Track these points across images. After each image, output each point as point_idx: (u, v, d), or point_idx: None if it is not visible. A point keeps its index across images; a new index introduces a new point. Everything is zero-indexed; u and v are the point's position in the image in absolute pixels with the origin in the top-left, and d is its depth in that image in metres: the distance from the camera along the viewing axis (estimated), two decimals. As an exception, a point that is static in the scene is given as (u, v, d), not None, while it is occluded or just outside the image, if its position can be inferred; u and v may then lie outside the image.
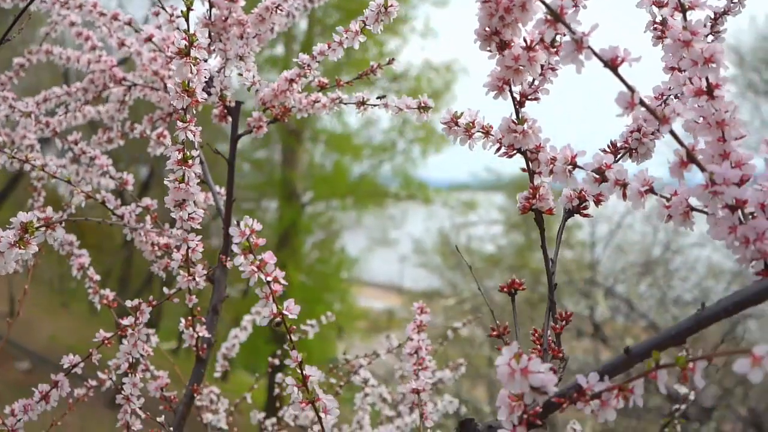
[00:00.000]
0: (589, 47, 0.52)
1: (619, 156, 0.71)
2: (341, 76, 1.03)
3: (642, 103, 0.52)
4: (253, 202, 11.78)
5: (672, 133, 0.53)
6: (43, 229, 0.68)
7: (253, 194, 11.91)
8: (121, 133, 1.25)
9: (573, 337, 7.47)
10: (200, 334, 1.00)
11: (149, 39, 1.07)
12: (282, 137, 11.52)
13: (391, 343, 1.40)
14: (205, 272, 0.93)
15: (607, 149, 0.71)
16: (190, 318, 0.99)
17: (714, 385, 6.20)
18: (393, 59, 1.03)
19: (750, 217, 0.54)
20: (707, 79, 0.55)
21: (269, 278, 0.64)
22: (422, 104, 0.87)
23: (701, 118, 0.56)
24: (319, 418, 0.67)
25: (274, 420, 1.32)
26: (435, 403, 1.35)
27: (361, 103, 0.98)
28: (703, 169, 0.53)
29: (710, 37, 0.75)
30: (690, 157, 0.53)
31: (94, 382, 1.15)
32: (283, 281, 0.65)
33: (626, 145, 0.71)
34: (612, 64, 0.52)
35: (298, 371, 0.67)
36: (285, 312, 0.65)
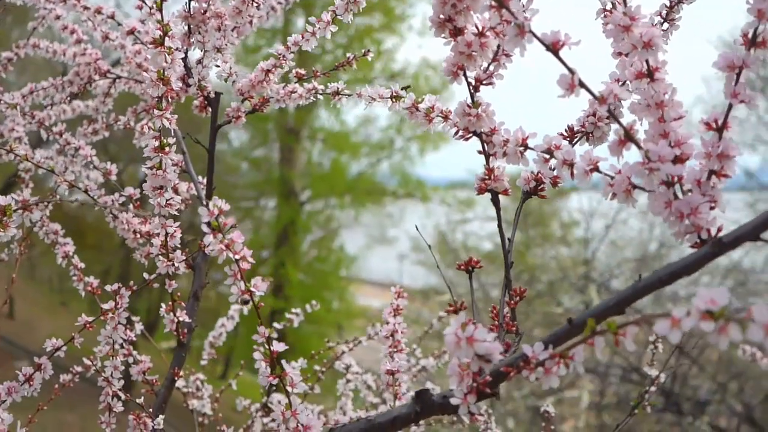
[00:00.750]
0: (530, 32, 0.54)
1: (576, 140, 0.74)
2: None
3: (581, 84, 0.55)
4: (251, 200, 11.82)
5: (610, 113, 0.56)
6: (21, 211, 0.71)
7: (252, 193, 11.95)
8: (106, 125, 1.28)
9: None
10: (180, 319, 1.03)
11: (131, 32, 1.10)
12: (280, 136, 11.55)
13: (375, 331, 1.43)
14: (184, 258, 0.96)
15: (564, 133, 0.74)
16: (170, 303, 1.01)
17: (708, 380, 6.23)
18: (368, 50, 1.06)
19: (688, 193, 0.57)
20: (647, 62, 0.58)
21: (237, 257, 0.67)
22: (394, 94, 0.90)
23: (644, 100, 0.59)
24: (286, 391, 0.69)
25: (257, 405, 1.35)
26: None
27: (336, 93, 1.01)
28: (639, 147, 0.56)
29: (666, 25, 0.78)
30: (628, 136, 0.56)
31: (79, 368, 1.18)
32: (250, 259, 0.67)
33: (582, 129, 0.74)
34: (553, 48, 0.55)
35: (266, 347, 0.69)
36: (252, 289, 0.67)
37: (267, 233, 11.78)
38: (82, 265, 1.17)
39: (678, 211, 0.55)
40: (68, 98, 1.27)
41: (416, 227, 1.12)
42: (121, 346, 1.01)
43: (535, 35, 0.54)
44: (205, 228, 0.66)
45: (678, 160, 0.57)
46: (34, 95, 1.30)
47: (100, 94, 1.28)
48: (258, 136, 11.89)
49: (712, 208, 0.56)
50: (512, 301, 0.68)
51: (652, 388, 1.12)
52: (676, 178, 0.55)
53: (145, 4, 1.04)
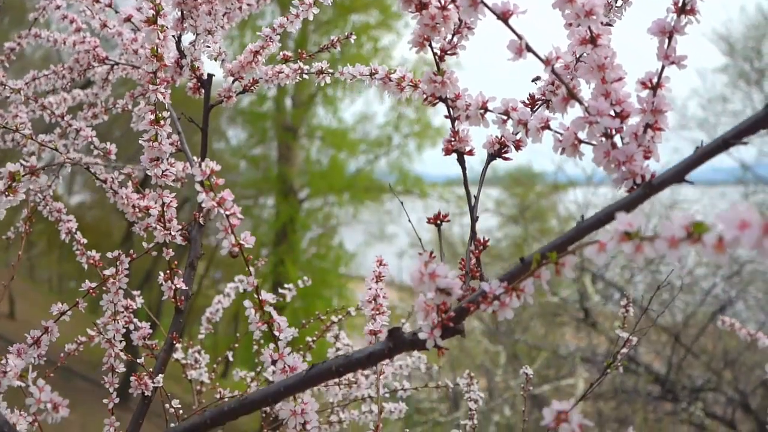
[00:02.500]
0: (482, 2, 0.61)
1: (537, 106, 0.81)
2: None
3: (528, 48, 0.62)
4: (250, 199, 11.89)
5: (554, 72, 0.63)
6: (28, 176, 0.78)
7: (250, 191, 12.01)
8: (105, 109, 1.34)
9: (573, 329, 7.59)
10: (178, 287, 1.09)
11: (128, 19, 1.16)
12: (278, 134, 11.62)
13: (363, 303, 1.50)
14: (180, 227, 1.03)
15: (526, 101, 0.81)
16: (168, 271, 1.08)
17: (703, 369, 6.31)
18: (351, 34, 1.13)
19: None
20: (590, 29, 0.65)
21: (228, 212, 0.74)
22: (373, 71, 0.97)
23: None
24: (274, 337, 0.76)
25: (252, 374, 1.42)
26: (405, 363, 1.45)
27: (320, 72, 1.08)
28: (581, 104, 0.62)
29: (620, 1, 0.85)
30: (570, 94, 0.63)
31: (83, 338, 1.25)
32: (239, 216, 0.74)
33: (543, 97, 0.80)
34: (504, 17, 0.62)
35: (255, 296, 0.76)
36: (242, 242, 0.74)
37: (266, 231, 11.85)
38: (84, 240, 1.24)
39: (615, 159, 0.62)
40: (69, 84, 1.34)
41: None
42: (123, 311, 1.08)
43: (486, 5, 0.61)
44: (198, 187, 0.73)
45: (619, 116, 0.64)
46: (36, 82, 1.37)
47: (99, 80, 1.34)
48: (256, 135, 11.96)
49: (647, 158, 0.63)
50: (477, 251, 0.75)
51: (624, 350, 1.19)
52: (614, 131, 0.62)
53: (141, -8, 1.10)
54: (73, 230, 1.24)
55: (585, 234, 0.62)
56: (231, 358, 1.53)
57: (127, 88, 1.52)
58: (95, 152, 1.23)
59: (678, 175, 0.58)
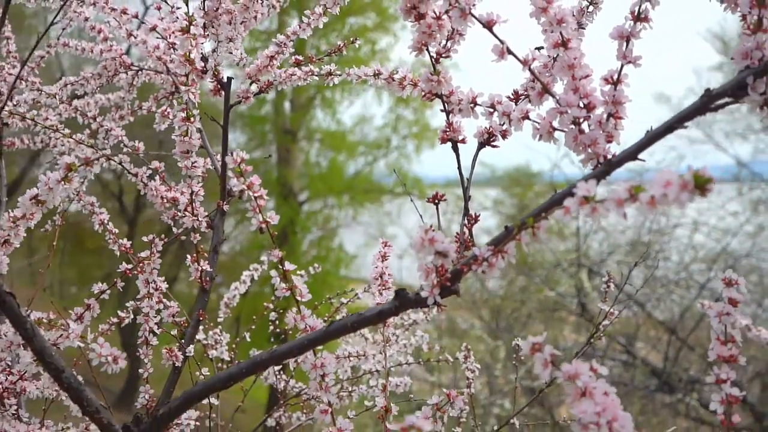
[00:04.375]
0: (470, 14, 0.74)
1: (520, 100, 0.93)
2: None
3: (509, 51, 0.75)
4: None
5: (531, 71, 0.75)
6: (83, 166, 0.90)
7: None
8: (131, 111, 1.47)
9: (573, 326, 7.72)
10: (204, 269, 1.22)
11: (153, 29, 1.29)
12: (277, 137, 11.75)
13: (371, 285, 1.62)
14: (206, 214, 1.15)
15: (511, 96, 0.93)
16: (195, 255, 1.21)
17: (698, 360, 6.43)
18: (356, 38, 1.25)
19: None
20: (561, 34, 0.78)
21: (256, 195, 0.86)
22: (377, 71, 1.09)
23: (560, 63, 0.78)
24: (296, 300, 0.89)
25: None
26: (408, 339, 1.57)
27: (329, 74, 1.20)
28: (553, 97, 0.75)
29: (591, 7, 0.98)
30: (545, 89, 0.75)
31: (115, 320, 1.37)
32: (265, 197, 0.87)
33: (525, 93, 0.93)
34: (488, 25, 0.75)
35: (280, 267, 0.89)
36: (268, 219, 0.87)
37: (266, 234, 11.91)
38: (116, 230, 1.36)
39: (582, 143, 0.74)
40: (98, 89, 1.46)
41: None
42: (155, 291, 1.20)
43: (474, 16, 0.74)
44: (230, 173, 0.86)
45: (587, 107, 0.77)
46: (67, 87, 1.49)
47: (125, 84, 1.47)
48: (255, 138, 12.07)
49: (609, 141, 0.75)
50: (469, 224, 0.88)
51: (605, 322, 1.31)
52: (581, 119, 0.75)
53: (166, 3, 1.23)
54: (106, 221, 1.37)
55: (559, 202, 0.74)
56: (248, 339, 1.65)
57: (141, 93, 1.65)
58: (124, 150, 1.36)
59: (632, 154, 0.70)
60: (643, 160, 0.71)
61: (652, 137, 0.70)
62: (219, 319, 1.66)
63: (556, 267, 6.55)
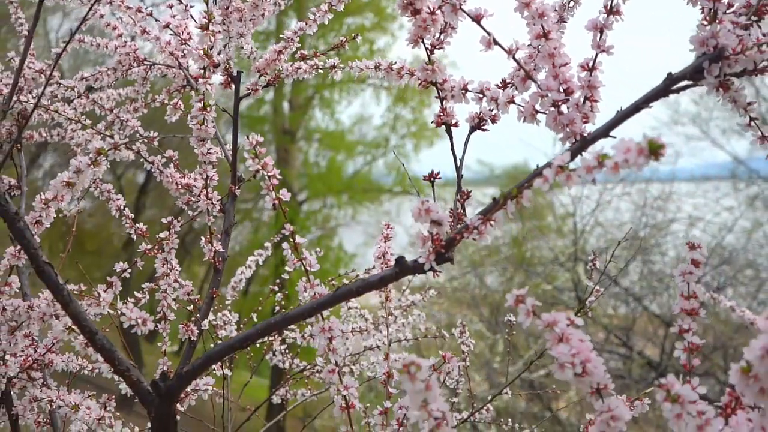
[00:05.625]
0: (461, 8, 0.83)
1: (507, 88, 1.02)
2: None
3: (495, 42, 0.84)
4: (249, 202, 12.11)
5: (515, 60, 0.84)
6: (112, 150, 0.99)
7: (250, 194, 12.24)
8: (145, 104, 1.56)
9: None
10: (217, 249, 1.31)
11: (167, 26, 1.38)
12: (276, 137, 11.84)
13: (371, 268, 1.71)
14: (220, 197, 1.25)
15: (499, 84, 1.02)
16: (208, 236, 1.30)
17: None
18: (357, 35, 1.35)
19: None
20: (543, 27, 0.87)
21: (270, 174, 0.95)
22: (377, 65, 1.19)
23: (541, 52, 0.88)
24: (306, 270, 0.98)
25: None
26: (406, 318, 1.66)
27: (333, 67, 1.30)
28: (535, 82, 0.84)
29: (572, 3, 1.07)
30: (527, 75, 0.85)
31: (132, 299, 1.46)
32: (278, 176, 0.96)
33: (511, 81, 1.02)
34: (477, 19, 0.84)
35: (291, 240, 0.98)
36: (281, 196, 0.96)
37: (266, 234, 12.04)
38: (132, 215, 1.45)
39: (561, 123, 0.84)
40: (114, 82, 1.55)
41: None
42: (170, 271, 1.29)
43: (464, 11, 0.83)
44: (246, 155, 0.95)
45: (566, 92, 0.86)
46: (83, 81, 1.58)
47: (138, 78, 1.56)
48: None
49: (585, 122, 0.85)
50: (462, 199, 0.97)
51: (592, 298, 1.40)
52: (560, 102, 0.84)
53: (180, 1, 1.32)
54: (122, 207, 1.46)
55: (538, 176, 0.83)
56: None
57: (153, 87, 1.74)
58: (140, 140, 1.45)
59: (604, 132, 0.80)
60: (614, 137, 0.80)
61: (622, 116, 0.79)
62: (227, 301, 1.75)
63: (553, 261, 6.65)
